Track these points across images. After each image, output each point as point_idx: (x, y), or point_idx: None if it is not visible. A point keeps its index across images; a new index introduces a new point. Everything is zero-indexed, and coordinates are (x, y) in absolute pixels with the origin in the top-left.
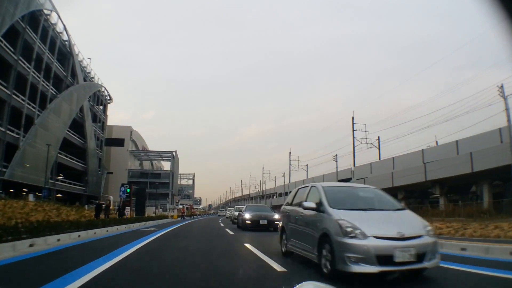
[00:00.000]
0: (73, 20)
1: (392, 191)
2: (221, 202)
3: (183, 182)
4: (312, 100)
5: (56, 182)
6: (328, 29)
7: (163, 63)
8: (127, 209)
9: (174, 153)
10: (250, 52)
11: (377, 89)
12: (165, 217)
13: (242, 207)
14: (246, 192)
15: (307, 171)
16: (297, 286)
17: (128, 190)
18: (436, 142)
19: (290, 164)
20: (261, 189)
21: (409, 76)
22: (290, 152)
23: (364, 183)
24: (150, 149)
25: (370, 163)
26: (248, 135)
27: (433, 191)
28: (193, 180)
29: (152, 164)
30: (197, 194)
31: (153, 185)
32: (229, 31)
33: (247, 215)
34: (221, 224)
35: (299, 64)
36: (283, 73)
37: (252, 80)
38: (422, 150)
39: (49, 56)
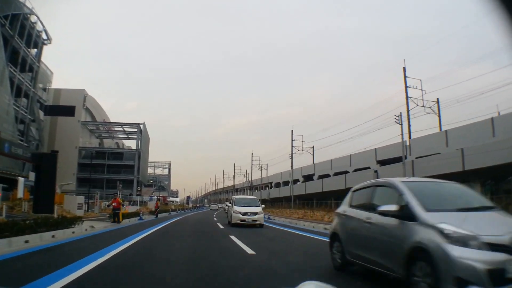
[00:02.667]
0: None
1: None
2: (200, 195)
3: (158, 171)
4: (300, 93)
5: None
6: (316, 23)
7: (146, 53)
8: None
9: (141, 126)
10: (237, 44)
11: (365, 82)
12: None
13: None
14: (229, 183)
15: (313, 154)
16: (298, 285)
17: None
18: (498, 113)
19: (292, 146)
20: (250, 179)
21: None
22: (292, 131)
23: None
24: (111, 122)
25: (446, 131)
26: (233, 126)
27: None
28: (169, 169)
29: (118, 146)
30: (175, 187)
31: (114, 168)
32: (215, 22)
33: None
34: None
35: (286, 57)
36: (269, 66)
37: (237, 71)
38: None
39: None
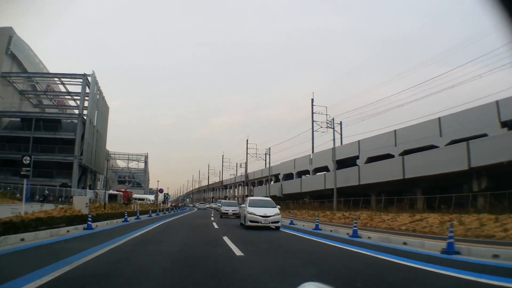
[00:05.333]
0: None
1: None
2: (182, 194)
3: (132, 165)
4: (286, 93)
5: None
6: (302, 22)
7: (129, 51)
8: None
9: (88, 78)
10: (224, 43)
11: (352, 83)
12: None
13: None
14: (215, 179)
15: (341, 133)
16: (299, 286)
17: None
18: None
19: (313, 122)
20: (245, 168)
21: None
22: (312, 99)
23: None
24: (42, 73)
25: None
26: (219, 125)
27: None
28: (146, 162)
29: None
30: (155, 186)
31: (45, 145)
32: (200, 20)
33: None
34: None
35: (271, 57)
36: (255, 65)
37: (222, 71)
38: None
39: None
